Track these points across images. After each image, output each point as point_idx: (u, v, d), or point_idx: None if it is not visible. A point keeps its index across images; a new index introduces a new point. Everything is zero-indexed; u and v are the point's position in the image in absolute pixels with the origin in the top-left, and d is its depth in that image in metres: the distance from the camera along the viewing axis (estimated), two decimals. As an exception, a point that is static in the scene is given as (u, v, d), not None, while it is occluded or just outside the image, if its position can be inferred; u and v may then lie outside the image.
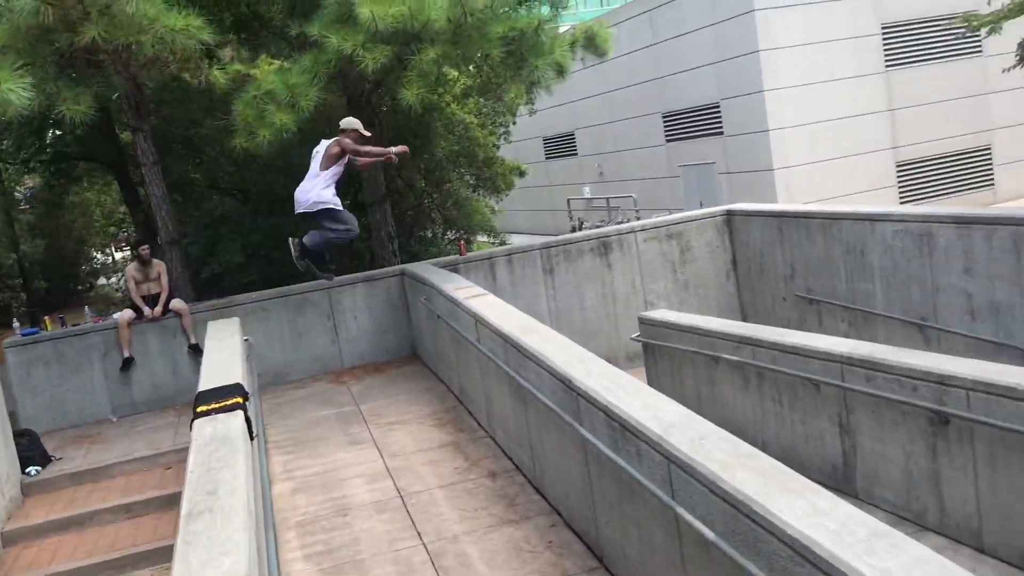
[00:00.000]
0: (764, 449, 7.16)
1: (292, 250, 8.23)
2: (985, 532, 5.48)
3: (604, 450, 4.82)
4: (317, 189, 7.95)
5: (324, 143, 8.15)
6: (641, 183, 24.73)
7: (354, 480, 7.21)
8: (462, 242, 16.16)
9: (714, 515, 3.72)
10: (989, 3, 11.75)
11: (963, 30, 12.86)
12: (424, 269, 10.24)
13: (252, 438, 5.79)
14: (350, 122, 8.22)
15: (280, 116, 9.10)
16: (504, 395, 7.05)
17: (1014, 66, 11.95)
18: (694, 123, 22.62)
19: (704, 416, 4.39)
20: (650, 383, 9.11)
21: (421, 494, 6.73)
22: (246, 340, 8.78)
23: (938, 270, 8.66)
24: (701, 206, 16.79)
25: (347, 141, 8.00)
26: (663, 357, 8.95)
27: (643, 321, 9.24)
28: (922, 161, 21.48)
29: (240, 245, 14.07)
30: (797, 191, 19.90)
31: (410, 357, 11.11)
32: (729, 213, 11.93)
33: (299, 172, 15.08)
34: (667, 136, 23.88)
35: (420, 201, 16.07)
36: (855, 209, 9.97)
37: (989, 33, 12.15)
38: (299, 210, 8.09)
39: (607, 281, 11.55)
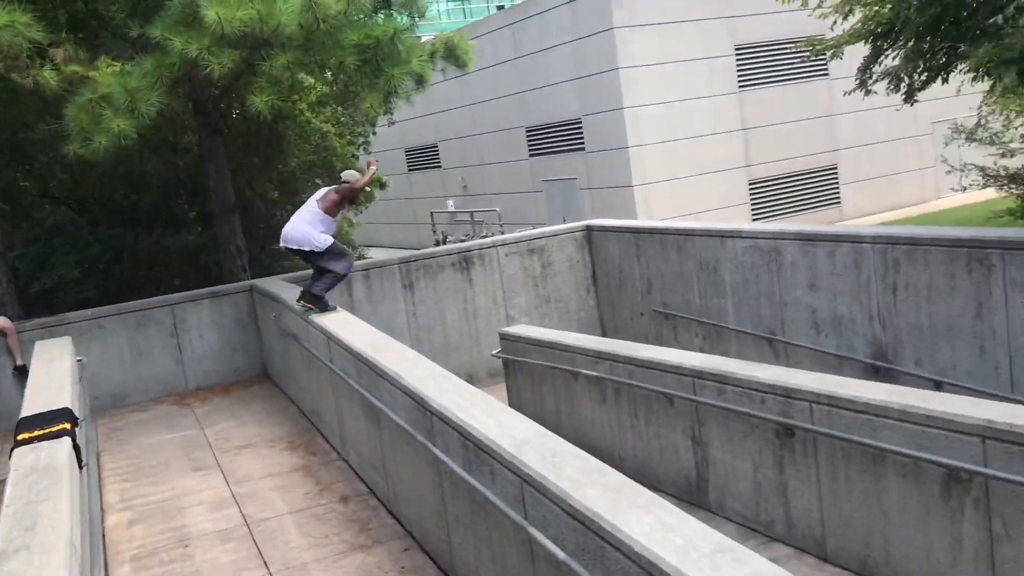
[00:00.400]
0: (621, 464, 7.24)
1: (299, 307, 8.18)
2: (828, 540, 5.63)
3: (458, 470, 4.72)
4: (322, 228, 7.98)
5: (323, 189, 8.35)
6: (505, 197, 24.84)
7: (197, 508, 6.87)
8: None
9: (565, 534, 3.68)
10: (832, 28, 12.30)
11: (808, 54, 13.40)
12: (274, 285, 9.85)
13: (81, 467, 5.45)
14: (352, 175, 8.33)
15: (118, 121, 8.55)
16: (357, 416, 6.82)
17: (854, 90, 12.54)
18: (557, 138, 22.89)
19: (564, 432, 4.32)
20: (511, 400, 9.03)
21: (269, 521, 6.46)
22: (79, 360, 8.30)
23: (785, 285, 8.96)
24: (564, 221, 16.96)
25: (346, 191, 8.12)
26: (523, 373, 8.88)
27: (504, 337, 9.14)
28: (773, 179, 22.44)
29: (75, 258, 13.24)
30: (656, 207, 20.40)
31: (260, 377, 10.67)
32: (589, 228, 12.05)
33: (141, 180, 14.26)
34: (531, 151, 24.08)
35: (272, 213, 15.44)
36: (707, 226, 10.23)
37: (832, 57, 12.71)
38: (302, 248, 8.00)
39: (468, 296, 11.43)
